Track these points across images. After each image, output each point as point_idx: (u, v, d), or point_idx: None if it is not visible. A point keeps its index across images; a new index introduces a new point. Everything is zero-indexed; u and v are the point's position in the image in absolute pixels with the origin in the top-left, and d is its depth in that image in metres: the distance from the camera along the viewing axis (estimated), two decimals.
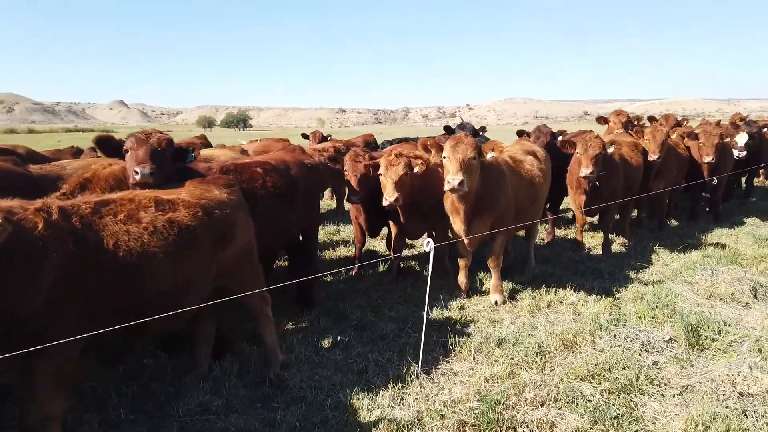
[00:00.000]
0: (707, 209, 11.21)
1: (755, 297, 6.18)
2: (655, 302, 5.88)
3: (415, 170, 6.24)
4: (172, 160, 4.73)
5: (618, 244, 8.98)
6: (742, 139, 11.05)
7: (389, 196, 6.05)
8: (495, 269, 6.43)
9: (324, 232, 9.97)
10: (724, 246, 8.52)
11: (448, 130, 10.43)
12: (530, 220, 6.94)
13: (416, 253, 8.42)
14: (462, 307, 6.24)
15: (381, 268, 7.63)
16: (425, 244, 4.44)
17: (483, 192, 5.94)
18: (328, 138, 13.88)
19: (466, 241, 6.24)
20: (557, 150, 8.18)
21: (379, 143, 13.18)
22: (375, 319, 5.85)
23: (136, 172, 4.30)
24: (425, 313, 4.61)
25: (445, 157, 5.65)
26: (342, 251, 8.77)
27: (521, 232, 7.72)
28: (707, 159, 9.67)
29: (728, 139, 10.03)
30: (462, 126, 10.03)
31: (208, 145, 12.80)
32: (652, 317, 5.61)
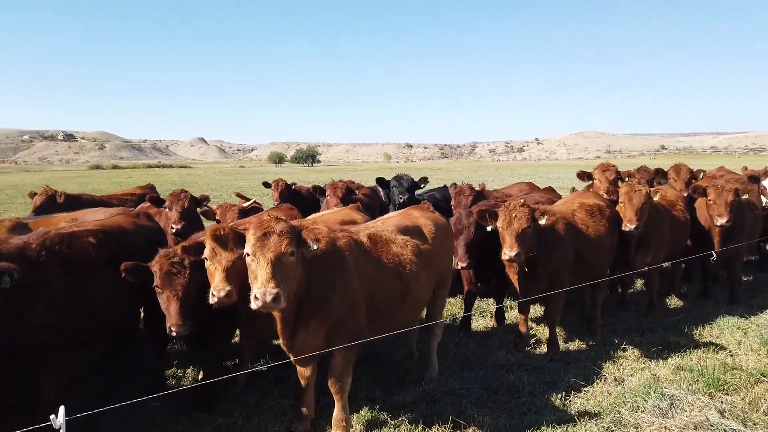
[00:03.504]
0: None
1: None
2: None
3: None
4: None
5: (579, 340, 6.87)
6: None
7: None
8: (338, 395, 4.60)
9: None
10: (718, 348, 6.27)
11: (382, 183, 8.80)
12: (404, 321, 5.12)
13: None
14: None
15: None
16: None
17: (307, 293, 4.26)
18: (293, 186, 12.52)
19: (291, 358, 4.57)
20: None
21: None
22: None
23: None
24: None
25: (248, 255, 3.91)
26: None
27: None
28: (720, 221, 7.46)
29: (745, 196, 7.77)
30: (399, 178, 8.37)
31: (158, 200, 11.61)
32: None
